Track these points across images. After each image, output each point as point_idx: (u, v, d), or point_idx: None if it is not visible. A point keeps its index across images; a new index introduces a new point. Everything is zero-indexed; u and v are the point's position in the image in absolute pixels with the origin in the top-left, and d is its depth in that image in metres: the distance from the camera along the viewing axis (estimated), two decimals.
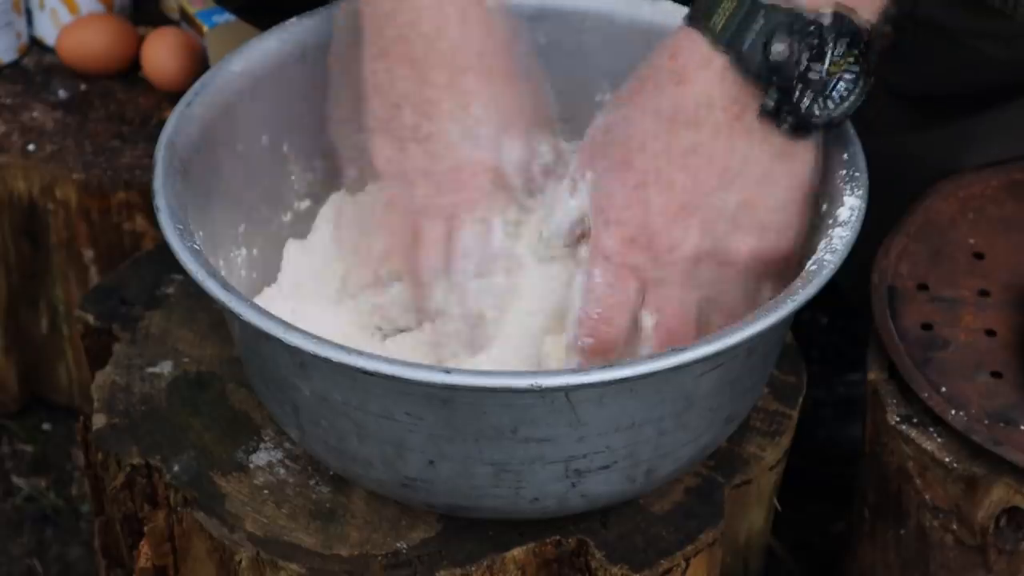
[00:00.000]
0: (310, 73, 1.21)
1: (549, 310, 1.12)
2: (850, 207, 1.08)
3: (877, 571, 1.24)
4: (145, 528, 1.15)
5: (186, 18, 1.65)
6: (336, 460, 1.09)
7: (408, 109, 1.10)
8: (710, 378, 1.03)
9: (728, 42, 1.03)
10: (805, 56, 1.02)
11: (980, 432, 1.12)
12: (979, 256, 1.26)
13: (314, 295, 1.19)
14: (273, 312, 1.00)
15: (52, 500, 1.64)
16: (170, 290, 1.27)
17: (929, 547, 1.18)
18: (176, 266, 1.03)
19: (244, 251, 1.19)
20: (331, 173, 1.24)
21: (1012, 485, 1.11)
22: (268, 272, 1.21)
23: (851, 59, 1.03)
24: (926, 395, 1.15)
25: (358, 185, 1.17)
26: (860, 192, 1.09)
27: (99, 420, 1.17)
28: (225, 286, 1.01)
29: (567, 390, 0.98)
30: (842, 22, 1.02)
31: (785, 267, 1.09)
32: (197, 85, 1.16)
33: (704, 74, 1.04)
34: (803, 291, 1.02)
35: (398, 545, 1.10)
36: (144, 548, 1.15)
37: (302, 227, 1.23)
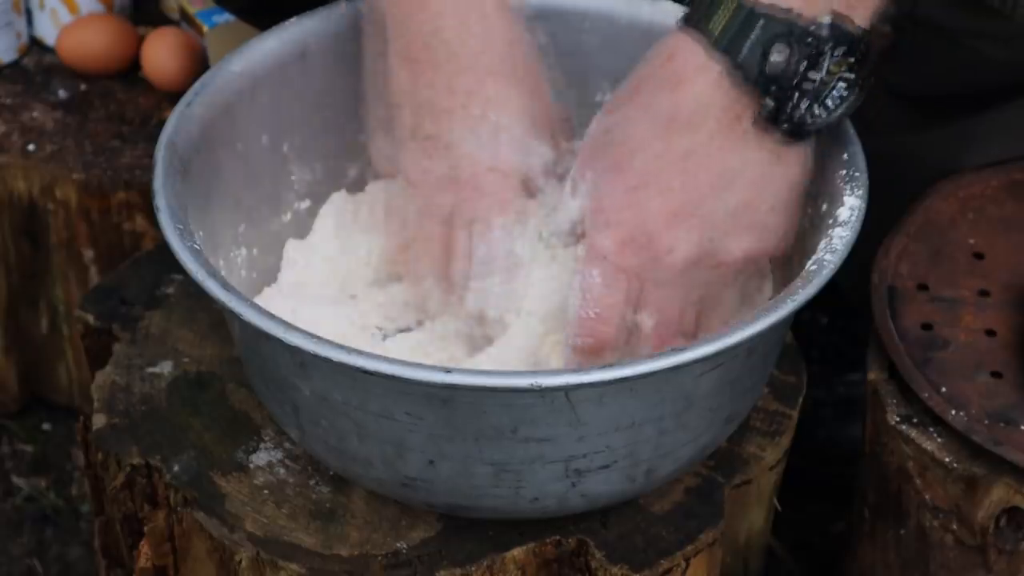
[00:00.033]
0: (310, 73, 1.21)
1: (549, 310, 1.12)
2: (850, 207, 1.08)
3: (877, 571, 1.24)
4: (145, 528, 1.15)
5: (186, 18, 1.65)
6: (336, 460, 1.09)
7: (429, 116, 1.10)
8: (710, 378, 1.03)
9: (725, 48, 1.03)
10: (803, 65, 1.02)
11: (980, 432, 1.12)
12: (979, 256, 1.26)
13: (314, 295, 1.19)
14: (273, 312, 1.00)
15: (52, 500, 1.64)
16: (170, 290, 1.27)
17: (929, 547, 1.18)
18: (176, 266, 1.03)
19: (244, 251, 1.19)
20: (331, 173, 1.25)
21: (1012, 485, 1.11)
22: (268, 272, 1.21)
23: (846, 66, 1.03)
24: (926, 395, 1.15)
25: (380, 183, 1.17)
26: (860, 192, 1.09)
27: (99, 420, 1.17)
28: (225, 286, 1.01)
29: (567, 390, 0.98)
30: (839, 30, 1.03)
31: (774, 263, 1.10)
32: (197, 85, 1.16)
33: (701, 79, 1.04)
34: (803, 291, 1.02)
35: (398, 545, 1.10)
36: (144, 548, 1.15)
37: (302, 227, 1.23)
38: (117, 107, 1.63)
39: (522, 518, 1.10)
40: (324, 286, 1.20)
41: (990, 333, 1.20)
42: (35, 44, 1.70)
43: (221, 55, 1.30)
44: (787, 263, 1.13)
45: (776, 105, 1.03)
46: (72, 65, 1.65)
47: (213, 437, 1.16)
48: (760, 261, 1.11)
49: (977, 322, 1.21)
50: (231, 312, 1.00)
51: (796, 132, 1.05)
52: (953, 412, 1.14)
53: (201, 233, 1.08)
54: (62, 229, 1.57)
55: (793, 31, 1.02)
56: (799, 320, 1.12)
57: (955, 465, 1.13)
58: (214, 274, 1.02)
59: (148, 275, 1.28)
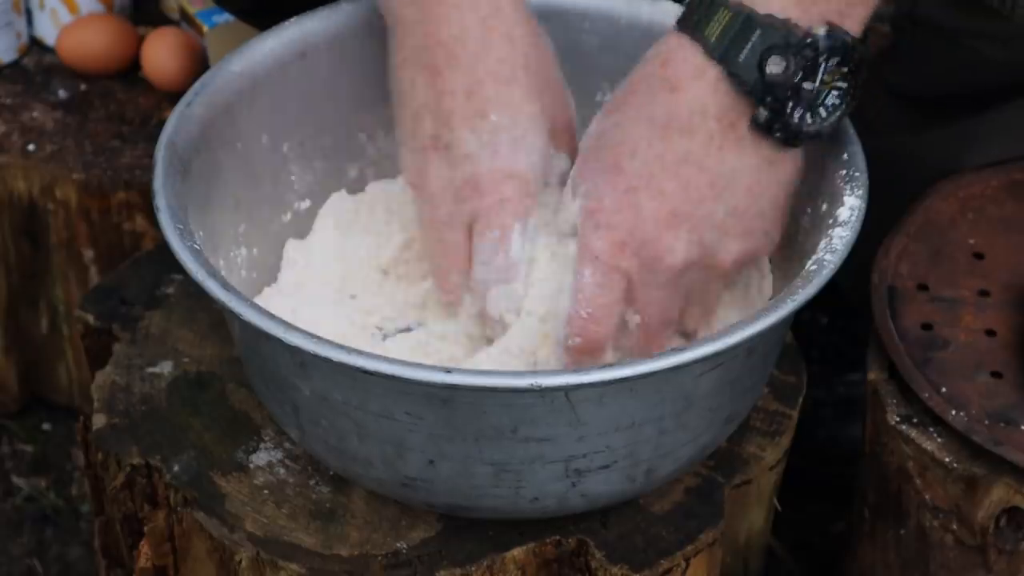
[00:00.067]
0: (310, 73, 1.21)
1: (549, 310, 1.12)
2: (850, 207, 1.08)
3: (877, 571, 1.24)
4: (145, 528, 1.15)
5: (186, 18, 1.65)
6: (336, 460, 1.09)
7: (428, 118, 1.10)
8: (710, 378, 1.03)
9: (722, 56, 1.03)
10: (799, 76, 1.02)
11: (980, 432, 1.12)
12: (979, 256, 1.26)
13: (314, 295, 1.19)
14: (273, 312, 1.00)
15: (52, 500, 1.64)
16: (170, 290, 1.27)
17: (929, 547, 1.18)
18: (176, 266, 1.03)
19: (244, 251, 1.19)
20: (331, 173, 1.25)
21: (1012, 485, 1.11)
22: (268, 272, 1.21)
23: (839, 76, 1.04)
24: (926, 395, 1.15)
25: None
26: (860, 192, 1.09)
27: (99, 420, 1.17)
28: (225, 286, 1.01)
29: (567, 390, 0.98)
30: (834, 41, 1.03)
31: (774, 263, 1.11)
32: (197, 85, 1.16)
33: (697, 84, 1.04)
34: (803, 291, 1.02)
35: (398, 545, 1.10)
36: (144, 548, 1.15)
37: (302, 227, 1.23)
38: (117, 107, 1.63)
39: (522, 518, 1.10)
40: (324, 286, 1.20)
41: (990, 333, 1.20)
42: (35, 44, 1.70)
43: (221, 55, 1.30)
44: (787, 263, 1.13)
45: (771, 114, 1.03)
46: (72, 65, 1.65)
47: (213, 437, 1.16)
48: (751, 263, 1.11)
49: (977, 322, 1.21)
50: (231, 312, 1.00)
51: (791, 138, 1.05)
52: (953, 412, 1.14)
53: (201, 233, 1.08)
54: (62, 229, 1.57)
55: (790, 41, 1.02)
56: (799, 320, 1.12)
57: (955, 465, 1.13)
58: (214, 274, 1.02)
59: (148, 275, 1.28)
